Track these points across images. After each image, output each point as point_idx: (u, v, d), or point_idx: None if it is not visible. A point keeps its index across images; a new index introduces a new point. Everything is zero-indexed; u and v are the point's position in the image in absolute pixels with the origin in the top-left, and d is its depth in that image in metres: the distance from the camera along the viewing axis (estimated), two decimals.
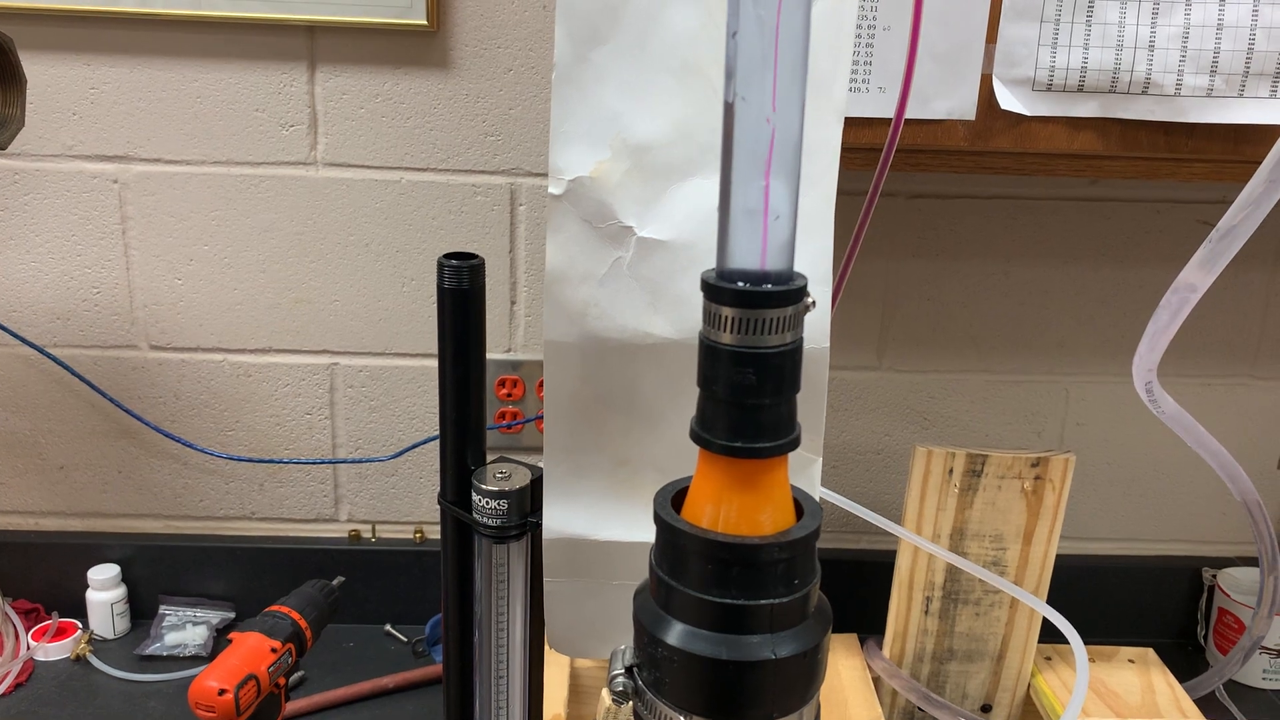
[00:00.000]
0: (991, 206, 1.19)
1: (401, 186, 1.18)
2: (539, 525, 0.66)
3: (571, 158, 0.58)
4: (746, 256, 0.42)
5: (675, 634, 0.44)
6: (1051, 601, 1.13)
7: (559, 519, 0.65)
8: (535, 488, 0.67)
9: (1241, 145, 0.77)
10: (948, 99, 0.82)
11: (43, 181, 1.17)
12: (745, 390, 0.42)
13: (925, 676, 1.10)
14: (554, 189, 0.59)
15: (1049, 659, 1.14)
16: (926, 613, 1.08)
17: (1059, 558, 1.28)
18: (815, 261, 0.58)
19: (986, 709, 1.11)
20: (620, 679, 0.47)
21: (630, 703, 0.47)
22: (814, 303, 0.43)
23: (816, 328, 0.58)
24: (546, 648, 0.72)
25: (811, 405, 0.60)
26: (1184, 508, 1.32)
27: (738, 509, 0.44)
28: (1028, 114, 0.82)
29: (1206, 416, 1.27)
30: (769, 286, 0.42)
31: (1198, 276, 0.71)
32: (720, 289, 0.42)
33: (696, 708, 0.44)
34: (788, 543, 0.43)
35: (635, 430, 0.62)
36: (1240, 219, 0.62)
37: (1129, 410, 1.27)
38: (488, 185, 1.18)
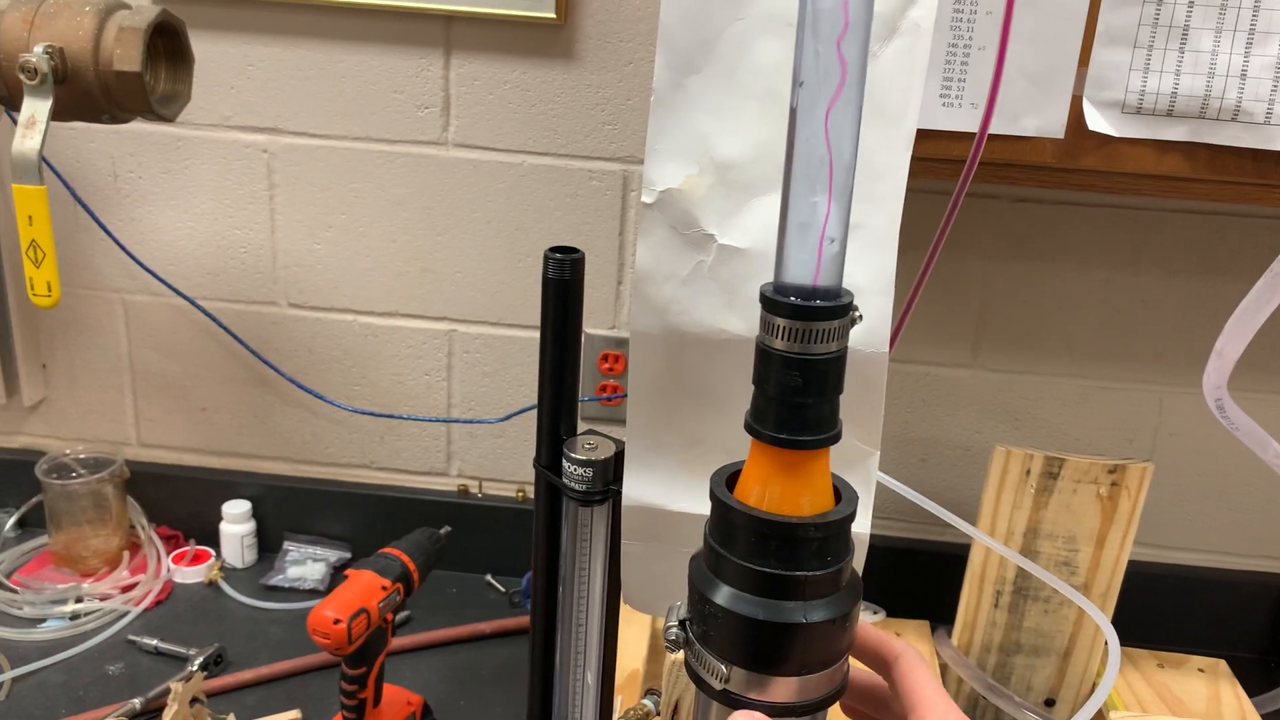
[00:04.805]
0: (1095, 214, 1.19)
1: (523, 169, 1.24)
2: (620, 493, 0.73)
3: (664, 171, 0.64)
4: (800, 271, 0.47)
5: (722, 595, 0.51)
6: (1132, 607, 1.14)
7: (637, 489, 0.72)
8: (618, 459, 0.74)
9: None
10: (1037, 117, 0.85)
11: (202, 148, 1.27)
12: (792, 390, 0.48)
13: (991, 667, 1.13)
14: (646, 198, 0.65)
15: None
16: (996, 606, 1.11)
17: (1143, 564, 1.29)
18: (878, 273, 0.63)
19: (1050, 703, 1.14)
20: (674, 630, 0.54)
21: (681, 651, 0.54)
22: (860, 316, 0.49)
23: (878, 334, 0.63)
24: (623, 604, 0.79)
25: (870, 404, 0.66)
26: (1275, 524, 1.31)
27: (780, 492, 0.50)
28: (1115, 135, 0.85)
29: None
30: (819, 302, 0.48)
31: (1230, 344, 0.74)
32: (776, 302, 0.48)
33: (737, 659, 0.51)
34: (822, 524, 0.49)
35: (708, 415, 0.69)
36: None
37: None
38: (602, 171, 1.23)
